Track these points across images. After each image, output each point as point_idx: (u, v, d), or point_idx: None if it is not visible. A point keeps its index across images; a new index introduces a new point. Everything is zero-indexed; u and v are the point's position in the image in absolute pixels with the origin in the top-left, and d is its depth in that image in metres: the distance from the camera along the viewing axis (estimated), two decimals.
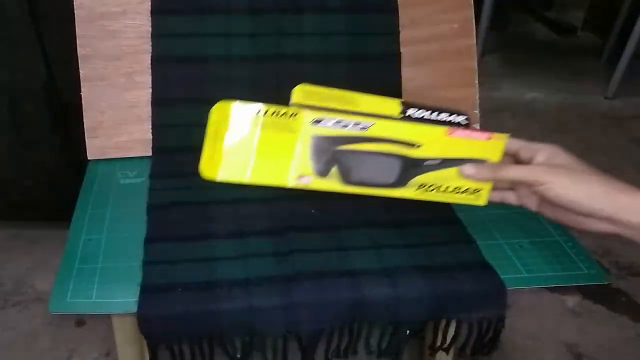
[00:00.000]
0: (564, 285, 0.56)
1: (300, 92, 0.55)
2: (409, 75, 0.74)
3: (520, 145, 0.52)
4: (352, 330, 0.55)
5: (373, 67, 0.73)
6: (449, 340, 0.59)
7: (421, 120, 0.56)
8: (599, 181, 0.47)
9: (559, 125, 1.78)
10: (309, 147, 0.51)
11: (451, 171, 0.54)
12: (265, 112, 0.49)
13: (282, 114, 0.49)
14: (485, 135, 0.52)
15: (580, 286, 0.97)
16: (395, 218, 0.60)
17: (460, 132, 0.52)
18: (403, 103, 0.57)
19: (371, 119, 0.51)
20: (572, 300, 1.13)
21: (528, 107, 1.88)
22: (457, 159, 0.53)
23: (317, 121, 0.50)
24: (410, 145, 0.52)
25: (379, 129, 0.51)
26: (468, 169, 0.53)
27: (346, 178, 0.53)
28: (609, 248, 1.25)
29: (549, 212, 0.51)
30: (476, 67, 0.76)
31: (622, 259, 1.23)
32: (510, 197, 0.54)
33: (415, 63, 0.74)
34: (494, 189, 0.55)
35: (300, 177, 0.52)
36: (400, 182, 0.54)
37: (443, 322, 0.57)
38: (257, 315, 0.51)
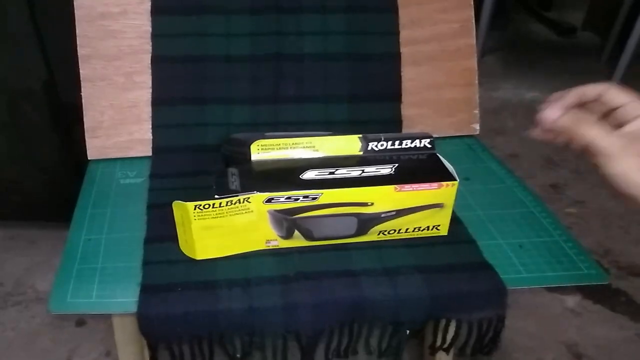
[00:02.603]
0: (564, 285, 0.56)
1: (257, 148, 0.57)
2: (409, 75, 0.74)
3: (626, 101, 0.45)
4: (352, 330, 0.55)
5: (373, 67, 0.73)
6: (449, 340, 0.59)
7: (383, 151, 0.58)
8: None
9: None
10: (267, 220, 0.54)
11: (409, 217, 0.56)
12: (220, 205, 0.52)
13: (236, 202, 0.52)
14: (435, 185, 0.54)
15: (580, 286, 0.97)
16: None
17: (408, 187, 0.54)
18: (363, 138, 0.58)
19: (319, 190, 0.53)
20: (572, 300, 1.13)
21: (528, 107, 1.88)
22: (413, 208, 0.55)
23: (269, 200, 0.53)
24: (363, 204, 0.54)
25: (328, 197, 0.53)
26: (548, 112, 0.46)
27: (309, 237, 0.56)
28: (609, 248, 1.25)
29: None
30: (476, 67, 0.76)
31: (622, 259, 1.23)
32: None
33: (415, 63, 0.74)
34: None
35: (268, 241, 0.56)
36: (361, 232, 0.57)
37: (443, 322, 0.57)
38: (257, 316, 0.51)
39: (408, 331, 0.55)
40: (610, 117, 0.45)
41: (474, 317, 0.55)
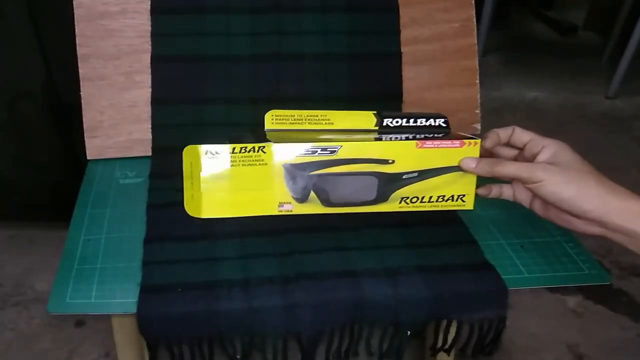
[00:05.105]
0: (565, 286, 0.55)
1: (271, 118, 0.56)
2: (409, 74, 0.74)
3: (529, 138, 0.53)
4: (352, 331, 0.54)
5: (374, 67, 0.73)
6: (450, 341, 0.59)
7: (398, 128, 0.57)
8: (593, 182, 0.47)
9: (560, 124, 1.78)
10: (282, 176, 0.52)
11: (432, 182, 0.54)
12: (233, 150, 0.50)
13: (250, 150, 0.51)
14: (457, 142, 0.53)
15: (581, 286, 0.96)
16: (396, 218, 0.60)
17: (430, 143, 0.53)
18: (377, 114, 0.58)
19: (338, 142, 0.52)
20: (573, 301, 1.13)
21: (529, 106, 1.88)
22: (435, 169, 0.54)
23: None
24: (384, 162, 0.53)
25: (347, 151, 0.52)
26: (467, 162, 0.53)
27: (326, 201, 0.54)
28: (611, 248, 1.25)
29: (540, 210, 0.52)
30: (477, 67, 0.75)
31: (623, 260, 1.23)
32: (507, 192, 0.54)
33: (416, 62, 0.74)
34: (494, 183, 0.55)
35: (281, 205, 0.53)
36: (382, 197, 0.55)
37: (444, 323, 0.56)
38: (257, 316, 0.50)
39: (409, 332, 0.54)
40: (522, 153, 0.54)
41: (475, 317, 0.55)
